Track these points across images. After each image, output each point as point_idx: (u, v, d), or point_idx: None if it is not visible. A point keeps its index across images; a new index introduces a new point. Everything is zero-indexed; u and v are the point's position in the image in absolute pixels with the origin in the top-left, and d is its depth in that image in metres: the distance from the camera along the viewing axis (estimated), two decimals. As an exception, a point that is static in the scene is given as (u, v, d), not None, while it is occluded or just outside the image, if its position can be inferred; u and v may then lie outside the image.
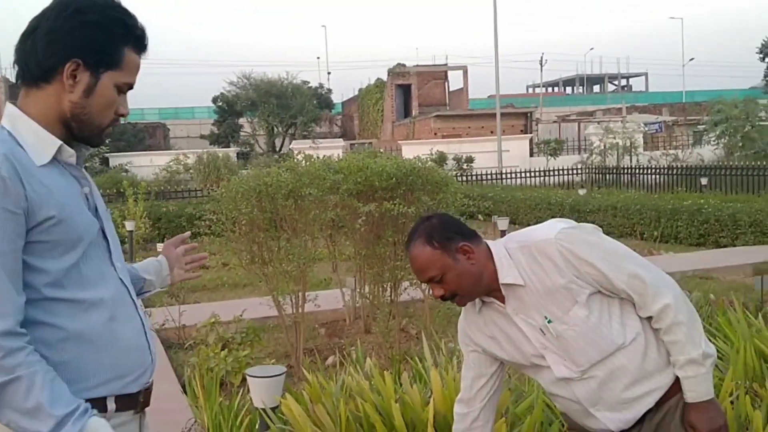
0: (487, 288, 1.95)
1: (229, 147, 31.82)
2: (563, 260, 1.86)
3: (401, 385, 2.66)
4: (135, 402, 1.52)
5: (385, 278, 5.99)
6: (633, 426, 1.91)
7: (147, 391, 1.57)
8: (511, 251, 1.95)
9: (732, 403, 2.66)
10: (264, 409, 2.83)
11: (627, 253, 1.93)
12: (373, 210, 5.33)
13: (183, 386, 4.82)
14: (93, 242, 1.49)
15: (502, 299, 1.95)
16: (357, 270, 6.37)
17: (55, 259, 1.41)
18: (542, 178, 21.00)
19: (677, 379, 1.88)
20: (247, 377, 3.02)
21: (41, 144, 1.45)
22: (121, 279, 1.55)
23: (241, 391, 4.13)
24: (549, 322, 1.89)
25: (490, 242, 2.00)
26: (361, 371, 2.87)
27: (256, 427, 3.07)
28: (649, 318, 1.89)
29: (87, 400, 1.40)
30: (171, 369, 5.27)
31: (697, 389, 1.85)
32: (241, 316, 5.80)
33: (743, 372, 3.00)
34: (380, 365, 2.90)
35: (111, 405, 1.46)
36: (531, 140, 29.27)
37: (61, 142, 1.46)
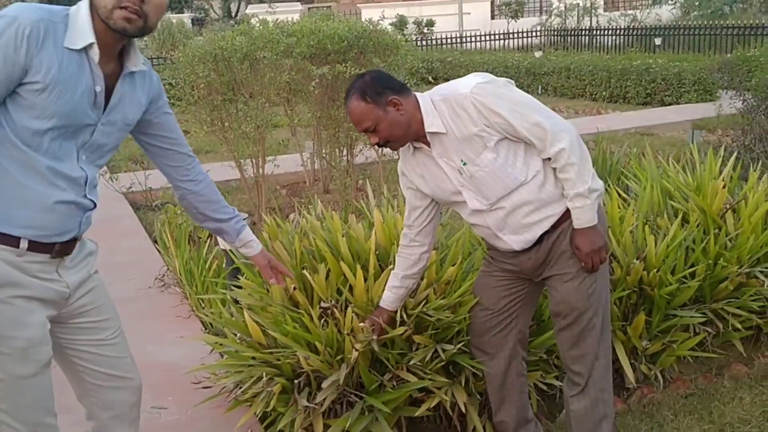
0: (415, 134, 2.27)
1: (182, 13, 30.58)
2: (476, 111, 2.18)
3: (347, 223, 3.04)
4: (50, 249, 1.73)
5: (341, 140, 6.29)
6: (533, 246, 2.31)
7: (65, 244, 1.76)
8: (435, 102, 2.26)
9: (632, 232, 3.10)
10: (230, 250, 3.20)
11: (532, 103, 2.23)
12: (326, 73, 5.49)
13: (154, 242, 5.19)
14: (72, 128, 1.68)
15: (428, 144, 2.29)
16: (314, 133, 6.61)
17: (30, 117, 1.62)
18: (503, 41, 20.90)
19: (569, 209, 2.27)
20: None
21: (79, 34, 1.65)
22: (82, 168, 1.74)
23: (208, 243, 4.49)
24: (464, 164, 2.24)
25: (418, 94, 2.30)
26: (314, 214, 3.23)
27: (223, 265, 3.45)
28: (549, 159, 2.24)
29: (3, 234, 1.67)
30: (141, 227, 5.61)
31: (583, 217, 2.23)
32: (204, 177, 6.07)
33: (648, 207, 3.44)
34: (331, 209, 3.26)
35: (24, 245, 1.68)
36: (492, 2, 28.71)
37: (93, 41, 1.65)
